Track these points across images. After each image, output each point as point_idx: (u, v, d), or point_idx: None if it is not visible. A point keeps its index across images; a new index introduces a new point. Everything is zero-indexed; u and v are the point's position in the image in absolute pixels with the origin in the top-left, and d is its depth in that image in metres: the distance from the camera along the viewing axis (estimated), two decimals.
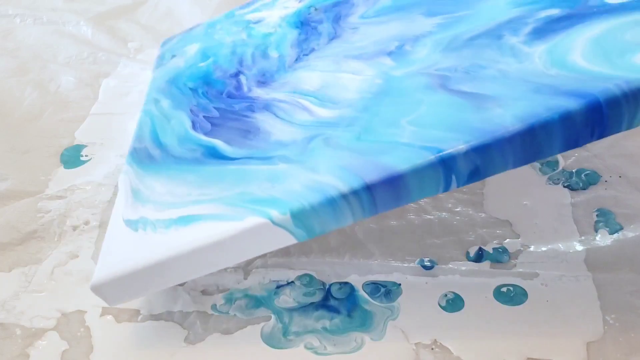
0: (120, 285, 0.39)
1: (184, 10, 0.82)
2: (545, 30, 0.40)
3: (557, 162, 0.54)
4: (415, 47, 0.45)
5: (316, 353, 0.42)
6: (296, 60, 0.51)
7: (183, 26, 0.78)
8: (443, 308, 0.45)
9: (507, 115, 0.34)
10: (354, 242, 0.49)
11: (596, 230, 0.49)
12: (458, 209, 0.51)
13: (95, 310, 0.46)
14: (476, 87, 0.37)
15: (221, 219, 0.38)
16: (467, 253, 0.48)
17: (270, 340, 0.43)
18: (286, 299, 0.46)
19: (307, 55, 0.51)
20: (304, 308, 0.45)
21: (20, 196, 0.54)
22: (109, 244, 0.41)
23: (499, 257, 0.48)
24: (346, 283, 0.47)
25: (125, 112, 0.64)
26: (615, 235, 0.48)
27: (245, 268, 0.48)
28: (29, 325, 0.45)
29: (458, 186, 0.35)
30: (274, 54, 0.54)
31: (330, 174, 0.37)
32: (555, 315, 0.44)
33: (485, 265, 0.47)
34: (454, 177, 0.35)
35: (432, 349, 0.43)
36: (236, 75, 0.53)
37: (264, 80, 0.50)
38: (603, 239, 0.48)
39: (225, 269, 0.48)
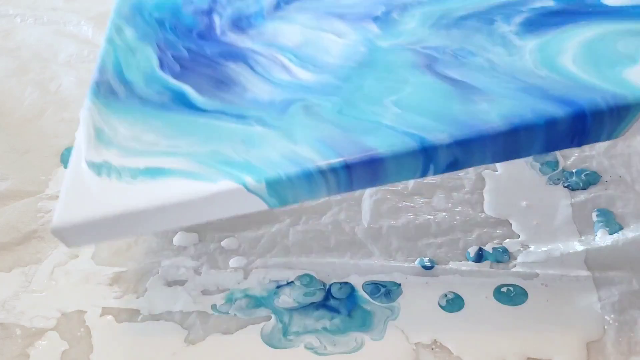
0: (83, 230, 0.38)
1: None
2: (537, 23, 0.40)
3: (557, 162, 0.54)
4: (403, 16, 0.44)
5: (316, 353, 0.42)
6: (276, 7, 0.48)
7: None
8: (443, 308, 0.45)
9: (493, 112, 0.34)
10: (354, 242, 0.49)
11: (596, 230, 0.49)
12: (458, 209, 0.51)
13: (95, 310, 0.46)
14: (464, 74, 0.37)
15: (192, 177, 0.37)
16: (467, 253, 0.48)
17: (270, 340, 0.43)
18: (286, 299, 0.46)
19: (288, 4, 0.48)
20: (304, 308, 0.45)
21: (20, 196, 0.54)
22: (70, 185, 0.39)
23: (499, 257, 0.48)
24: (346, 283, 0.47)
25: None
26: (615, 235, 0.48)
27: (245, 268, 0.48)
28: (29, 325, 0.45)
29: (434, 174, 0.36)
30: None
31: (309, 147, 0.36)
32: (555, 315, 0.44)
33: (485, 265, 0.47)
34: (432, 166, 0.35)
35: (432, 349, 0.43)
36: (209, 13, 0.49)
37: (239, 25, 0.48)
38: (603, 239, 0.48)
39: (226, 269, 0.48)
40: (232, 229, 0.51)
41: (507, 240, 0.49)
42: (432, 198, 0.52)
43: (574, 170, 0.53)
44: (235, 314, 0.45)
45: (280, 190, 0.36)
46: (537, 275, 0.46)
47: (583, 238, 0.48)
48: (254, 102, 0.41)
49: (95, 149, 0.40)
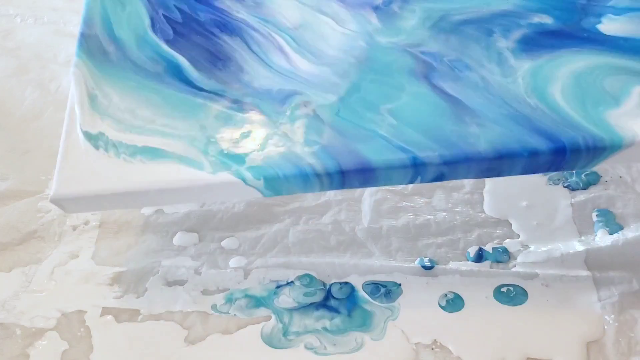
0: (81, 201, 0.39)
1: None
2: (534, 42, 0.40)
3: None
4: (403, 9, 0.44)
5: (316, 353, 0.42)
6: None
7: None
8: (443, 308, 0.45)
9: (483, 138, 0.36)
10: (354, 242, 0.49)
11: (596, 231, 0.49)
12: (458, 209, 0.51)
13: (95, 310, 0.46)
14: (458, 90, 0.39)
15: (191, 165, 0.38)
16: (467, 253, 0.48)
17: (270, 340, 0.43)
18: (286, 299, 0.46)
19: None
20: (304, 308, 0.45)
21: (20, 196, 0.54)
22: (67, 153, 0.39)
23: (499, 257, 0.48)
24: (346, 283, 0.47)
25: None
26: (615, 235, 0.48)
27: (245, 268, 0.48)
28: (29, 325, 0.45)
29: (420, 182, 0.38)
30: None
31: (307, 148, 0.37)
32: (555, 315, 0.44)
33: (485, 265, 0.47)
34: (419, 178, 0.37)
35: (432, 349, 0.43)
36: None
37: None
38: (603, 239, 0.48)
39: (226, 269, 0.48)
40: (232, 229, 0.51)
41: (507, 240, 0.49)
42: (432, 198, 0.52)
43: (574, 171, 0.53)
44: (235, 314, 0.45)
45: (277, 185, 0.38)
46: (537, 275, 0.46)
47: (583, 238, 0.48)
48: (251, 88, 0.41)
49: (90, 117, 0.40)
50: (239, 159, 0.38)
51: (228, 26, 0.45)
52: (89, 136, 0.39)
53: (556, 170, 0.37)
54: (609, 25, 0.41)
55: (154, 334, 0.44)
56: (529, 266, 0.47)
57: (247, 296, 0.46)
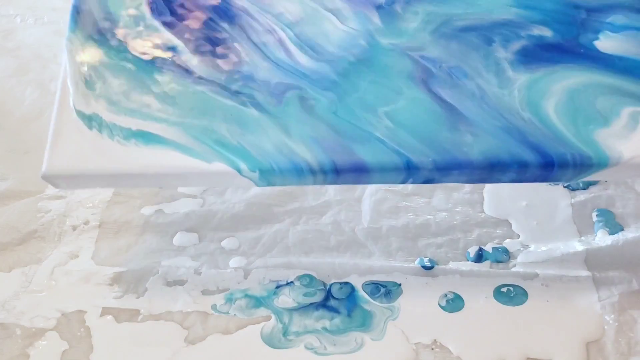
0: (73, 179, 0.39)
1: None
2: (532, 55, 0.41)
3: None
4: (406, 11, 0.44)
5: (316, 353, 0.42)
6: None
7: None
8: (443, 308, 0.45)
9: (476, 147, 0.37)
10: (354, 242, 0.49)
11: (596, 231, 0.49)
12: (458, 209, 0.51)
13: (95, 310, 0.46)
14: (455, 98, 0.39)
15: (187, 153, 0.38)
16: (467, 253, 0.48)
17: (270, 340, 0.43)
18: (286, 299, 0.46)
19: None
20: (304, 308, 0.45)
21: (20, 196, 0.54)
22: (59, 130, 0.40)
23: (499, 257, 0.48)
24: (346, 283, 0.47)
25: None
26: (615, 235, 0.48)
27: (245, 268, 0.48)
28: (29, 325, 0.45)
29: (411, 184, 0.40)
30: None
31: (303, 144, 0.38)
32: (555, 315, 0.44)
33: (485, 265, 0.47)
34: (410, 180, 0.38)
35: (432, 349, 0.43)
36: None
37: None
38: (603, 239, 0.48)
39: (226, 269, 0.48)
40: (232, 229, 0.51)
41: (507, 240, 0.49)
42: (432, 198, 0.52)
43: None
44: (235, 314, 0.45)
45: (271, 178, 0.38)
46: (537, 275, 0.46)
47: (583, 238, 0.48)
48: (250, 79, 0.41)
49: (84, 96, 0.40)
50: (235, 149, 0.38)
51: (228, 13, 0.44)
52: (82, 116, 0.40)
53: (542, 181, 0.38)
54: (606, 43, 0.42)
55: (154, 334, 0.44)
56: (529, 266, 0.47)
57: (247, 296, 0.46)
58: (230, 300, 0.46)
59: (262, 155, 0.38)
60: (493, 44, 0.42)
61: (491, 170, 0.37)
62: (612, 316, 0.43)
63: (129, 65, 0.42)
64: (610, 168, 0.37)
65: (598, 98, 0.39)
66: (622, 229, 0.48)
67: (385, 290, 0.46)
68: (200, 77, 0.41)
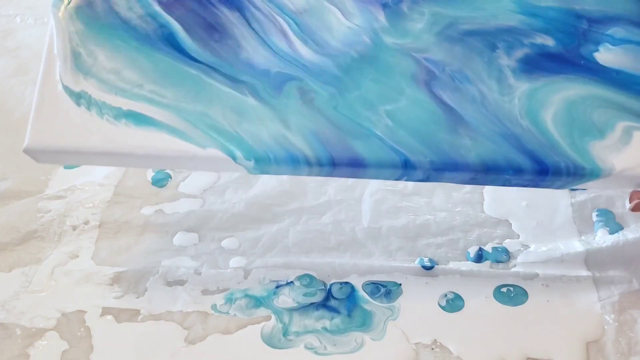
0: (57, 154, 0.38)
1: None
2: (534, 63, 0.41)
3: None
4: (412, 11, 0.43)
5: (316, 353, 0.42)
6: None
7: None
8: (443, 308, 0.45)
9: (473, 151, 0.38)
10: (354, 242, 0.49)
11: (596, 230, 0.49)
12: (458, 209, 0.51)
13: (95, 310, 0.46)
14: (456, 101, 0.40)
15: (180, 136, 0.37)
16: (467, 253, 0.48)
17: (270, 340, 0.43)
18: (286, 299, 0.46)
19: None
20: (304, 308, 0.45)
21: (20, 196, 0.54)
22: (43, 102, 0.38)
23: (499, 257, 0.48)
24: (346, 283, 0.47)
25: None
26: (615, 235, 0.48)
27: (245, 268, 0.48)
28: (29, 325, 0.45)
29: (406, 181, 0.40)
30: None
31: (301, 137, 0.38)
32: (555, 315, 0.44)
33: (485, 265, 0.47)
34: (405, 178, 0.39)
35: (432, 349, 0.43)
36: None
37: None
38: (603, 239, 0.48)
39: (226, 269, 0.48)
40: (232, 229, 0.51)
41: (507, 240, 0.49)
42: (432, 198, 0.52)
43: None
44: (235, 314, 0.45)
45: (266, 166, 0.38)
46: (537, 275, 0.46)
47: (583, 238, 0.48)
48: (248, 66, 0.40)
49: (72, 73, 0.39)
50: (231, 137, 0.38)
51: None
52: (70, 92, 0.39)
53: (534, 187, 0.40)
54: (605, 55, 0.42)
55: (154, 334, 0.44)
56: (529, 266, 0.47)
57: (247, 296, 0.46)
58: (230, 300, 0.46)
59: (258, 145, 0.37)
60: (496, 50, 0.42)
61: (486, 173, 0.38)
62: (612, 316, 0.43)
63: (121, 44, 0.40)
64: (601, 179, 0.38)
65: (595, 111, 0.40)
66: (622, 229, 0.49)
67: (386, 290, 0.46)
68: (196, 60, 0.40)
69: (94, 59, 0.40)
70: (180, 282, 0.47)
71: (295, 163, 0.38)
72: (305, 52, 0.41)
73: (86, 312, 0.46)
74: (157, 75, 0.39)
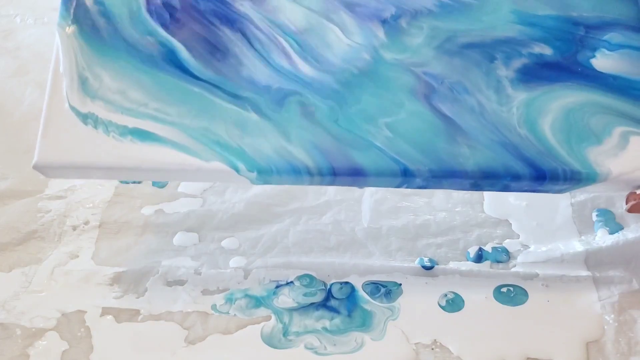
0: (66, 170, 0.39)
1: None
2: (532, 73, 0.42)
3: None
4: (411, 26, 0.44)
5: (316, 353, 0.42)
6: None
7: None
8: (443, 308, 0.45)
9: (471, 159, 0.39)
10: (354, 242, 0.49)
11: (596, 230, 0.49)
12: (458, 209, 0.51)
13: (95, 310, 0.46)
14: (455, 112, 0.40)
15: (184, 151, 0.38)
16: (467, 253, 0.48)
17: (270, 340, 0.43)
18: (286, 299, 0.46)
19: None
20: (304, 308, 0.45)
21: (20, 196, 0.54)
22: (50, 119, 0.39)
23: (499, 257, 0.48)
24: (346, 283, 0.47)
25: None
26: (615, 235, 0.48)
27: (245, 268, 0.48)
28: (29, 325, 0.45)
29: (406, 188, 0.41)
30: None
31: (302, 149, 0.39)
32: (555, 315, 0.44)
33: (485, 265, 0.47)
34: (405, 185, 0.40)
35: (432, 349, 0.43)
36: None
37: None
38: (603, 239, 0.48)
39: (226, 269, 0.48)
40: (232, 229, 0.51)
41: (507, 240, 0.49)
42: (432, 198, 0.52)
43: None
44: (235, 314, 0.45)
45: (268, 178, 0.39)
46: (537, 275, 0.46)
47: (583, 238, 0.48)
48: (250, 83, 0.41)
49: (79, 96, 0.40)
50: (234, 151, 0.38)
51: (229, 18, 0.44)
52: (77, 113, 0.40)
53: (532, 192, 0.40)
54: (602, 61, 0.42)
55: (154, 334, 0.44)
56: (529, 266, 0.47)
57: (247, 296, 0.46)
58: (230, 300, 0.46)
59: (260, 158, 0.38)
60: (495, 61, 0.42)
61: (484, 180, 0.39)
62: (612, 316, 0.43)
63: (125, 65, 0.41)
64: (598, 183, 0.39)
65: (592, 117, 0.40)
66: (622, 229, 0.49)
67: (386, 290, 0.46)
68: (198, 78, 0.41)
69: (99, 82, 0.41)
70: (180, 282, 0.47)
71: (296, 173, 0.38)
72: (305, 69, 0.42)
73: (86, 312, 0.46)
74: (162, 94, 0.40)
